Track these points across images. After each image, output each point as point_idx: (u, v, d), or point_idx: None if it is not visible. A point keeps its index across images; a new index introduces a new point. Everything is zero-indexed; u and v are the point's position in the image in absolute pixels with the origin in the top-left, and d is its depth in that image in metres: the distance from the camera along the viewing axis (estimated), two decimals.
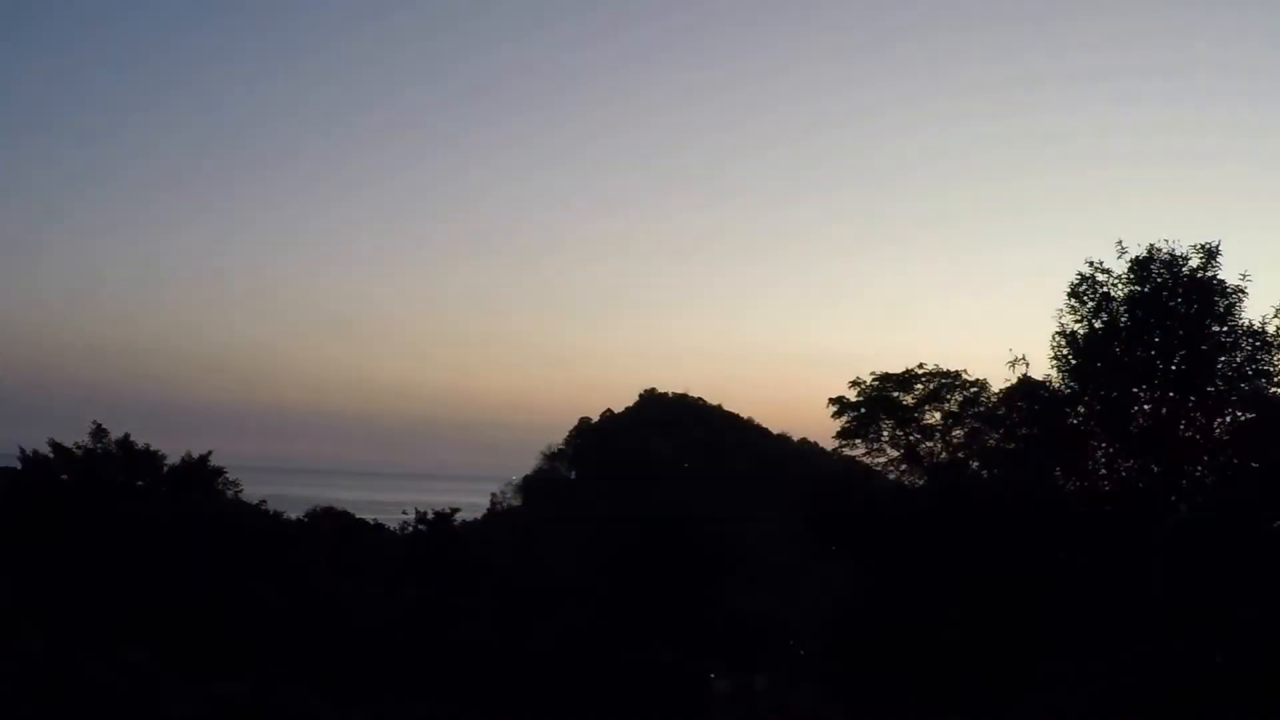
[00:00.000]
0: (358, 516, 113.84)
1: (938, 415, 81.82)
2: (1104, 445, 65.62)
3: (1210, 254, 62.09)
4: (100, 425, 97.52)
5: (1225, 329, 61.77)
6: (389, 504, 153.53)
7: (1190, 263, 62.19)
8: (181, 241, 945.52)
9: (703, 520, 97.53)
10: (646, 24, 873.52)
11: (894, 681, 65.71)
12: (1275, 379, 61.84)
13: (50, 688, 56.90)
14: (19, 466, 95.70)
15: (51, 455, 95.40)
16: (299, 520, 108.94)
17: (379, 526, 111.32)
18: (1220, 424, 63.33)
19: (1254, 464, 60.63)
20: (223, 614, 75.74)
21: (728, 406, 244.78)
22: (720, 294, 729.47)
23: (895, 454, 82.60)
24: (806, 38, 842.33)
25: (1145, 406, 64.09)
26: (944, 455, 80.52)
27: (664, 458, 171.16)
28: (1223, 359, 61.88)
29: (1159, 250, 62.68)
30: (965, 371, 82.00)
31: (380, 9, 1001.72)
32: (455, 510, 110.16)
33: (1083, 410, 66.15)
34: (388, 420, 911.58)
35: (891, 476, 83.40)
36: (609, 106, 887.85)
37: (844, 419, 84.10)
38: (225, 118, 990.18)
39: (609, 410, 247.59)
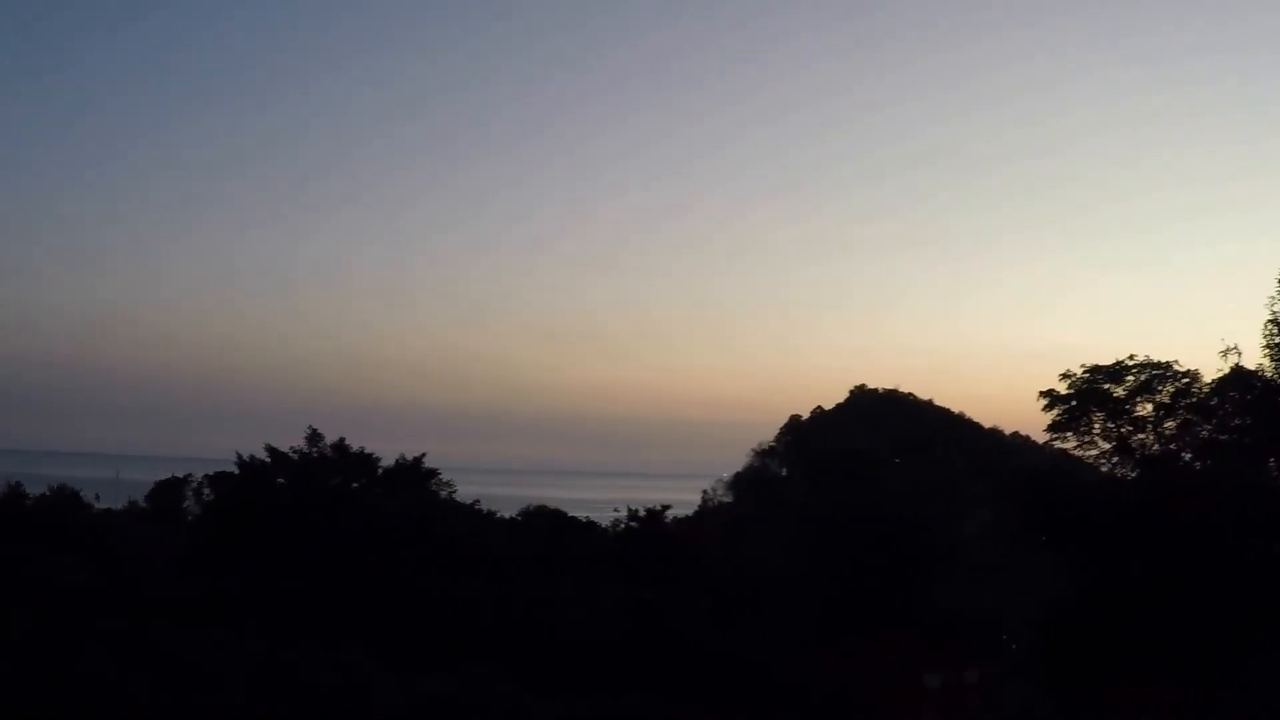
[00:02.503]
0: (569, 515, 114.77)
1: (1149, 407, 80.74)
2: None
3: None
4: (315, 430, 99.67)
5: None
6: (601, 502, 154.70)
7: None
8: (396, 248, 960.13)
9: (914, 516, 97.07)
10: (855, 20, 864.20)
11: (1106, 677, 65.03)
12: None
13: (268, 684, 58.61)
14: (236, 472, 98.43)
15: (268, 460, 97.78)
16: (511, 519, 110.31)
17: (590, 524, 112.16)
18: None
19: None
20: (434, 610, 77.13)
21: (939, 401, 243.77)
22: (932, 288, 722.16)
23: (1106, 446, 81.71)
24: (996, 30, 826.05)
25: None
26: (1156, 447, 79.49)
27: (874, 454, 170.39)
28: None
29: None
30: (1176, 362, 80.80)
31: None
32: (666, 507, 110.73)
33: None
34: (602, 420, 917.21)
35: (1103, 469, 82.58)
36: (812, 104, 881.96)
37: (1055, 412, 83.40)
38: (418, 118, 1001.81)
39: (819, 407, 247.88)
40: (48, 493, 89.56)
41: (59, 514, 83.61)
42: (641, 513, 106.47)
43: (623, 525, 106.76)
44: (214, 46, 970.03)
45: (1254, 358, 67.09)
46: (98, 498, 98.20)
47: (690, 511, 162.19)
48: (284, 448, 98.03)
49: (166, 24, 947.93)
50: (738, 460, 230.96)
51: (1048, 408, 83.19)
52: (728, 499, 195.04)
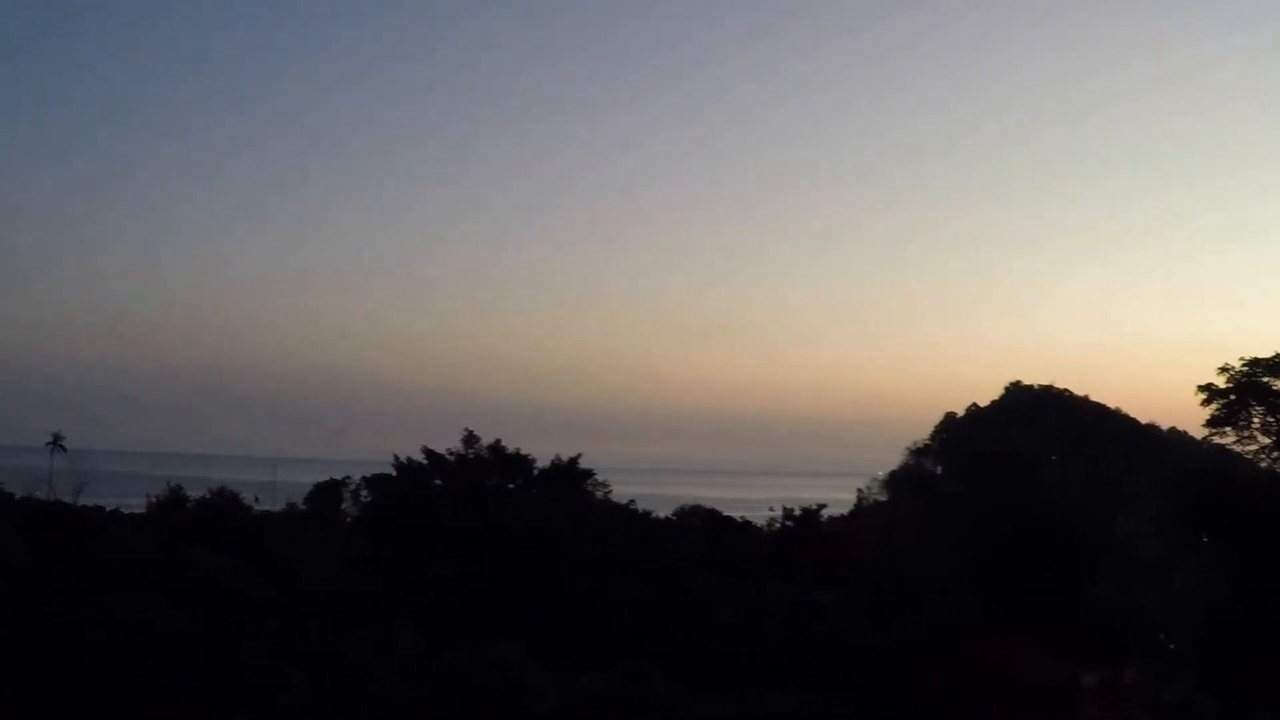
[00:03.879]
0: (725, 514, 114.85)
1: None
2: None
3: None
4: (472, 431, 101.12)
5: None
6: (756, 501, 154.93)
7: None
8: (548, 250, 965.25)
9: (1070, 513, 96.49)
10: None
11: (1265, 677, 64.37)
12: None
13: (426, 683, 59.76)
14: (394, 474, 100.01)
15: (425, 461, 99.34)
16: (667, 518, 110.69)
17: (746, 523, 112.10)
18: None
19: None
20: (591, 608, 77.95)
21: (1094, 397, 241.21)
22: (1086, 282, 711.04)
23: (1266, 441, 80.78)
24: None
25: None
26: None
27: (1030, 450, 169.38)
28: None
29: None
30: None
31: None
32: (822, 506, 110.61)
33: None
34: (757, 419, 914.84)
35: (1263, 464, 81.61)
36: (961, 97, 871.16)
37: (1213, 406, 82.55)
38: (561, 112, 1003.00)
39: (974, 404, 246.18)
40: (208, 495, 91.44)
41: (219, 515, 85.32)
42: (797, 512, 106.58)
43: (778, 524, 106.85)
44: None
45: None
46: (257, 499, 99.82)
47: (845, 510, 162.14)
48: (440, 449, 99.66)
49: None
50: (892, 459, 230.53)
51: (1206, 402, 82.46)
52: (883, 498, 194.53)
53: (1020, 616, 78.53)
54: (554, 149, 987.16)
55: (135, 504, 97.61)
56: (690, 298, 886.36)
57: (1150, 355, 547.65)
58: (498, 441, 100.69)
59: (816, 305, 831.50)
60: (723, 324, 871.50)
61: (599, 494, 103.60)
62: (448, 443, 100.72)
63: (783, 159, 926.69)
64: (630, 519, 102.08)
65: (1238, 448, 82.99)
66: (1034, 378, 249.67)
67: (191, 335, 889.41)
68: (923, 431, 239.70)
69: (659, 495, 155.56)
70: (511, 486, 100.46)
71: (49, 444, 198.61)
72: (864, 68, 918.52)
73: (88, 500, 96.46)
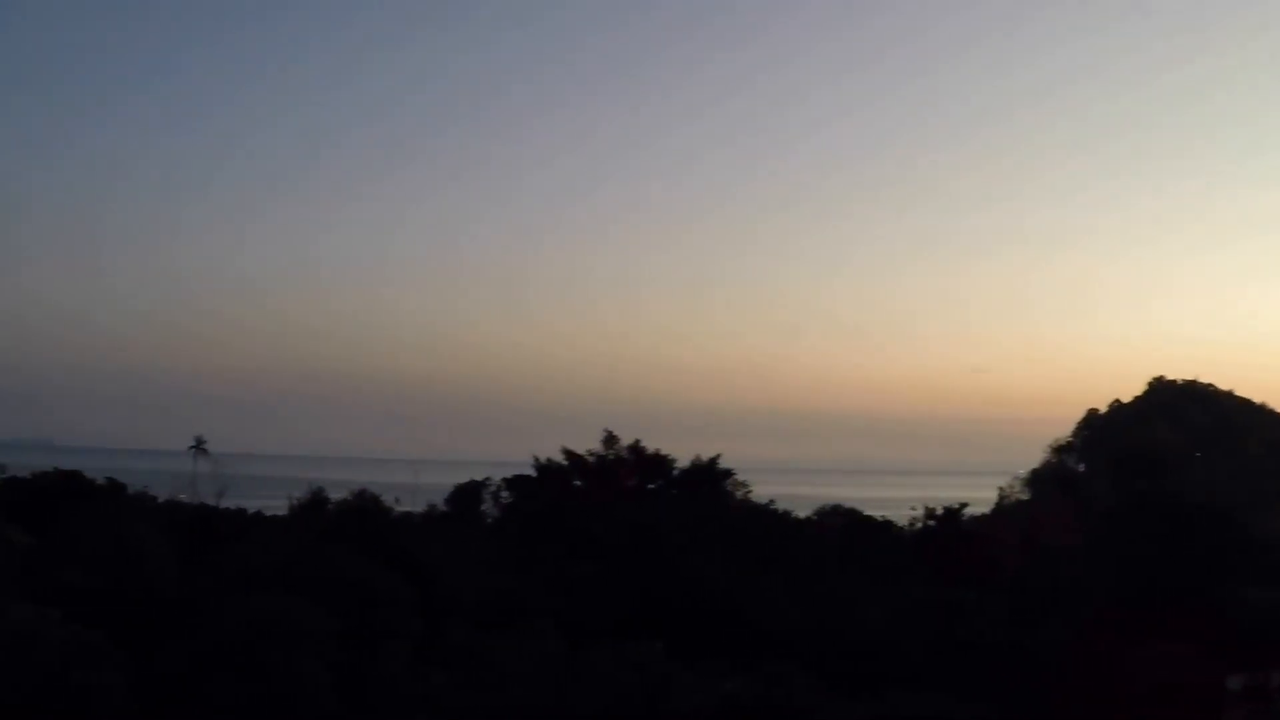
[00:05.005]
0: (865, 514, 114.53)
1: None
2: None
3: None
4: (611, 432, 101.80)
5: None
6: (897, 500, 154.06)
7: None
8: (686, 250, 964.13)
9: (1216, 511, 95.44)
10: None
11: None
12: None
13: (568, 683, 60.20)
14: (534, 474, 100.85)
15: (565, 462, 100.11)
16: (807, 518, 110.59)
17: (886, 523, 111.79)
18: None
19: None
20: (731, 609, 78.07)
21: (1239, 392, 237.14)
22: (1229, 272, 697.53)
23: None
24: None
25: None
26: None
27: (1174, 448, 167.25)
28: None
29: None
30: None
31: None
32: (963, 505, 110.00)
33: None
34: (897, 417, 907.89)
35: None
36: (1122, 89, 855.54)
37: None
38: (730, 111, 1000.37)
39: (1117, 400, 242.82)
40: (349, 497, 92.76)
41: (361, 517, 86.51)
42: (939, 511, 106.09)
43: (920, 524, 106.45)
44: None
45: None
46: (398, 501, 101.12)
47: (987, 509, 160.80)
48: (580, 450, 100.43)
49: None
50: (1033, 457, 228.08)
51: None
52: (1025, 496, 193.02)
53: (1166, 616, 77.78)
54: (682, 143, 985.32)
55: (277, 506, 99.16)
56: (832, 295, 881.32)
57: None
58: (637, 442, 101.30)
59: (958, 301, 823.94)
60: (866, 321, 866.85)
61: (739, 494, 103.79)
62: (587, 443, 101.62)
63: (929, 153, 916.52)
64: (770, 519, 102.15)
65: None
66: (1177, 372, 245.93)
67: (334, 337, 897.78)
68: (1064, 429, 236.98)
69: (799, 495, 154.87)
70: (651, 487, 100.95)
71: (192, 447, 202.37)
72: (1022, 59, 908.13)
73: (230, 503, 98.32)
